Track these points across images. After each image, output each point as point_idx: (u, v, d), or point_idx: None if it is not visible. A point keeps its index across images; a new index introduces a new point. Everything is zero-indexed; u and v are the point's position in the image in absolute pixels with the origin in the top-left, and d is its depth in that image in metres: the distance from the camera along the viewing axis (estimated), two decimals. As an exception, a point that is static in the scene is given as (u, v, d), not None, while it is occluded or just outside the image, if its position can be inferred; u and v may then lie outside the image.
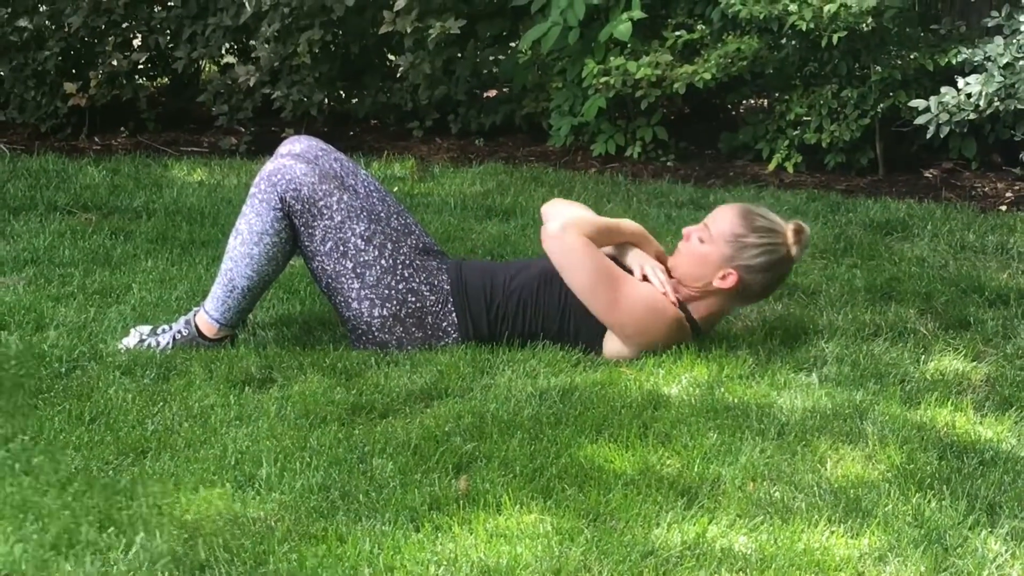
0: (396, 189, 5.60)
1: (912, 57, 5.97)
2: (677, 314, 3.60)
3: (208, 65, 7.30)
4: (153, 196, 5.29)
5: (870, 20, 5.74)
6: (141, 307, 3.92)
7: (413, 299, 3.62)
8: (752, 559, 2.56)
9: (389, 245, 3.62)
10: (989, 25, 5.70)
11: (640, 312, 3.56)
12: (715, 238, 3.60)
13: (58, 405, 3.18)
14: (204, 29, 6.51)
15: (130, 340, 3.60)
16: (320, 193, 3.57)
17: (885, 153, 6.11)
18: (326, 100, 6.58)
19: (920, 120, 5.50)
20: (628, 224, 3.76)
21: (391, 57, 7.02)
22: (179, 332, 3.61)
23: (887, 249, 4.78)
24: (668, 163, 6.33)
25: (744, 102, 7.03)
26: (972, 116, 5.40)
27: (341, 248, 3.58)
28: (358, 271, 3.58)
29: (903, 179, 6.05)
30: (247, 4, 6.30)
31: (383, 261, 3.60)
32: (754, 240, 3.58)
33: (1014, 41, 5.41)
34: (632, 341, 3.57)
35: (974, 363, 3.64)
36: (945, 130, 5.48)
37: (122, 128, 6.70)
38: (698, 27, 6.17)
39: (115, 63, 6.47)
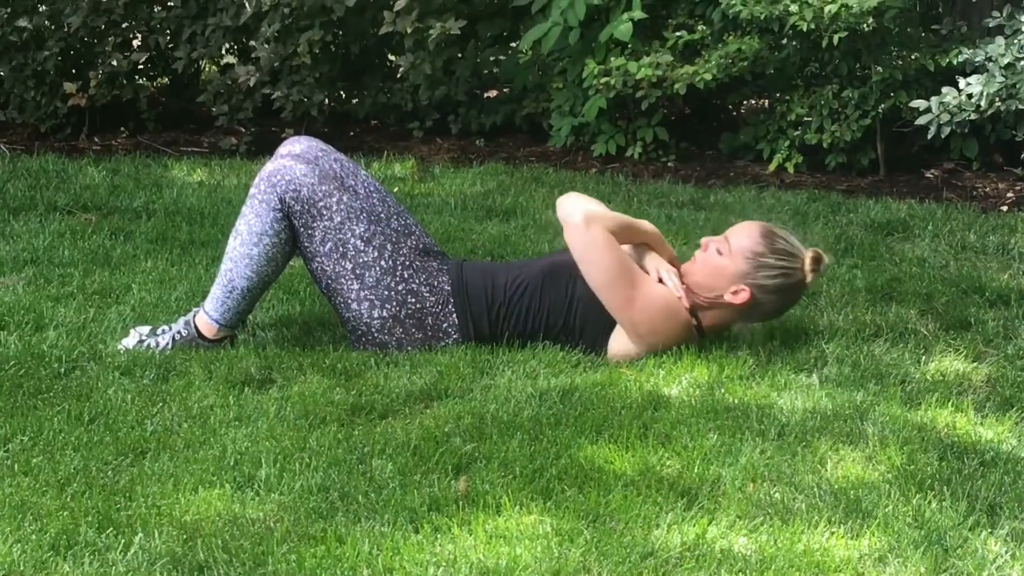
0: (396, 189, 5.60)
1: (913, 57, 5.97)
2: (688, 319, 3.62)
3: (208, 65, 7.30)
4: (153, 196, 5.29)
5: (871, 20, 5.73)
6: (141, 307, 3.92)
7: (413, 300, 3.61)
8: (752, 560, 2.55)
9: (389, 246, 3.62)
10: (990, 25, 5.70)
11: (654, 311, 3.57)
12: (734, 252, 3.61)
13: (57, 405, 3.18)
14: (204, 29, 6.51)
15: (129, 340, 3.60)
16: (320, 194, 3.56)
17: (886, 153, 6.10)
18: (326, 100, 6.57)
19: (921, 120, 5.50)
20: (647, 224, 3.78)
21: (391, 57, 7.02)
22: (179, 333, 3.61)
23: (888, 249, 4.78)
24: (669, 163, 6.32)
25: (745, 102, 7.02)
26: (973, 116, 5.40)
27: (341, 249, 3.58)
28: (358, 272, 3.58)
29: (904, 179, 6.05)
30: (247, 4, 6.30)
31: (383, 262, 3.60)
32: (772, 261, 3.59)
33: (1015, 41, 5.40)
34: (643, 340, 3.57)
35: (975, 364, 3.63)
36: (946, 130, 5.47)
37: (122, 128, 6.70)
38: (699, 27, 6.17)
39: (115, 63, 6.47)
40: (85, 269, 4.28)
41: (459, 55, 6.61)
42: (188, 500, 2.74)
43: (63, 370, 3.41)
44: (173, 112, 7.00)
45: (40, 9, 6.44)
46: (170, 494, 2.76)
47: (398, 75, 6.66)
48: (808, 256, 3.63)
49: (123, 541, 2.55)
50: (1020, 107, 5.33)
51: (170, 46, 6.61)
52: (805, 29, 5.70)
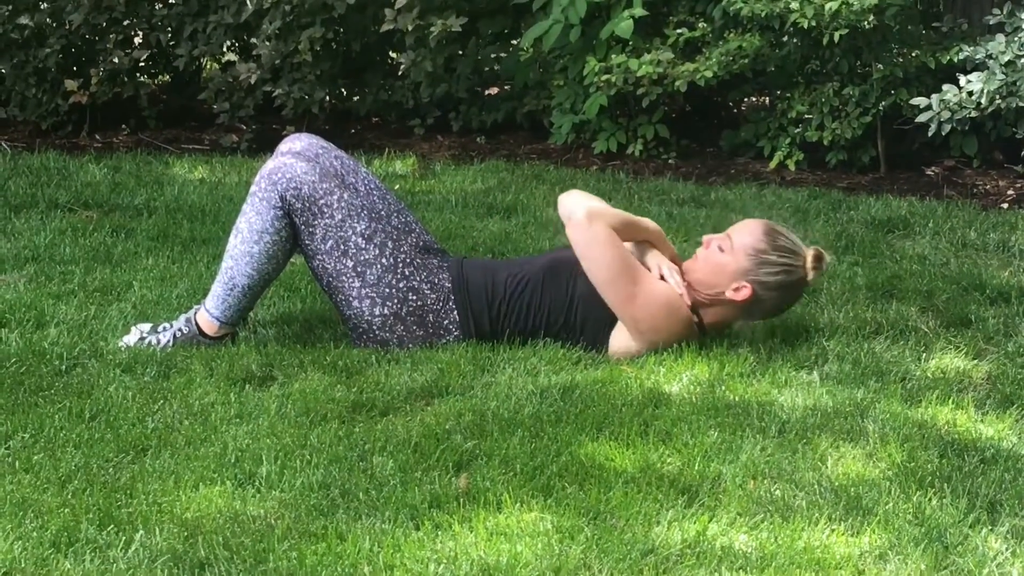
0: (397, 187, 5.60)
1: (914, 55, 5.97)
2: (690, 316, 3.62)
3: (209, 63, 7.29)
4: (154, 194, 5.29)
5: (872, 18, 5.73)
6: (142, 305, 3.92)
7: (414, 297, 3.62)
8: (752, 557, 2.55)
9: (390, 243, 3.62)
10: (991, 23, 5.70)
11: (656, 308, 3.57)
12: (736, 249, 3.61)
13: (58, 403, 3.18)
14: (205, 27, 6.51)
15: (131, 338, 3.60)
16: (321, 192, 3.56)
17: (886, 151, 6.10)
18: (327, 98, 6.57)
19: (921, 118, 5.50)
20: (648, 222, 3.78)
21: (392, 55, 7.01)
22: (180, 330, 3.61)
23: (888, 247, 4.78)
24: (669, 161, 6.32)
25: (746, 100, 7.02)
26: (973, 114, 5.40)
27: (342, 247, 3.58)
28: (359, 270, 3.58)
29: (904, 177, 6.04)
30: (248, 2, 6.30)
31: (384, 260, 3.60)
32: (774, 258, 3.59)
33: (1016, 39, 5.40)
34: (644, 337, 3.58)
35: (975, 361, 3.63)
36: (947, 128, 5.47)
37: (123, 126, 6.70)
38: (700, 25, 6.16)
39: (116, 60, 6.47)
40: (86, 266, 4.28)
41: (460, 52, 6.61)
42: (189, 497, 2.74)
43: (64, 367, 3.41)
44: (174, 109, 7.00)
45: (41, 6, 6.44)
46: (171, 491, 2.76)
47: (399, 72, 6.65)
48: (810, 254, 3.63)
49: (124, 538, 2.55)
50: (1020, 104, 5.33)
51: (171, 43, 6.61)
52: (806, 26, 5.70)
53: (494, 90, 7.21)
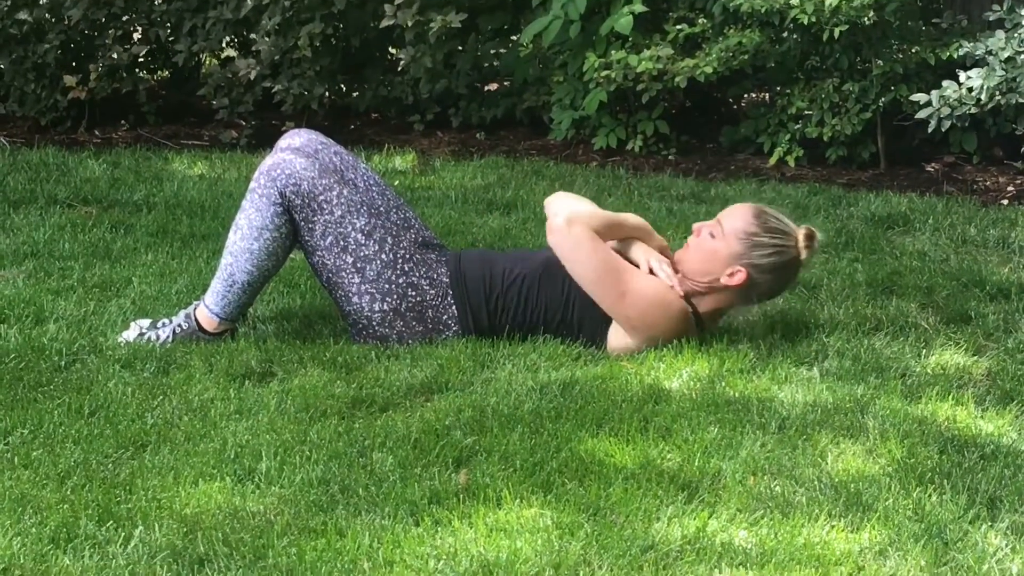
0: (397, 183, 5.59)
1: (914, 51, 5.96)
2: (683, 307, 3.60)
3: (208, 58, 7.28)
4: (153, 189, 5.29)
5: (871, 14, 5.73)
6: (141, 301, 3.92)
7: (413, 293, 3.61)
8: (752, 553, 2.55)
9: (389, 239, 3.62)
10: (991, 19, 5.69)
11: (646, 304, 3.56)
12: (727, 235, 3.60)
13: (57, 398, 3.18)
14: (204, 22, 6.50)
15: (130, 333, 3.60)
16: (320, 188, 3.56)
17: (886, 147, 6.10)
18: (327, 93, 6.57)
19: (921, 114, 5.50)
20: (632, 218, 3.77)
21: (392, 50, 7.01)
22: (179, 326, 3.61)
23: (888, 243, 4.77)
24: (669, 157, 6.32)
25: (745, 96, 7.01)
26: (973, 110, 5.39)
27: (341, 243, 3.58)
28: (358, 266, 3.58)
29: (904, 173, 6.04)
30: (247, -3, 6.30)
31: (383, 255, 3.60)
32: (766, 240, 3.58)
33: (1015, 35, 5.40)
34: (639, 334, 3.57)
35: (975, 357, 3.63)
36: (946, 124, 5.47)
37: (122, 121, 6.70)
38: (699, 21, 6.16)
39: (115, 56, 6.46)
40: (85, 262, 4.28)
41: (460, 48, 6.60)
42: (188, 493, 2.74)
43: (63, 363, 3.41)
44: (173, 105, 6.99)
45: (40, 2, 6.43)
46: (170, 487, 2.76)
47: (399, 68, 6.65)
48: (801, 233, 3.62)
49: (123, 534, 2.55)
50: (1020, 101, 5.32)
51: (170, 39, 6.60)
52: (806, 22, 5.69)
53: (494, 86, 7.20)
